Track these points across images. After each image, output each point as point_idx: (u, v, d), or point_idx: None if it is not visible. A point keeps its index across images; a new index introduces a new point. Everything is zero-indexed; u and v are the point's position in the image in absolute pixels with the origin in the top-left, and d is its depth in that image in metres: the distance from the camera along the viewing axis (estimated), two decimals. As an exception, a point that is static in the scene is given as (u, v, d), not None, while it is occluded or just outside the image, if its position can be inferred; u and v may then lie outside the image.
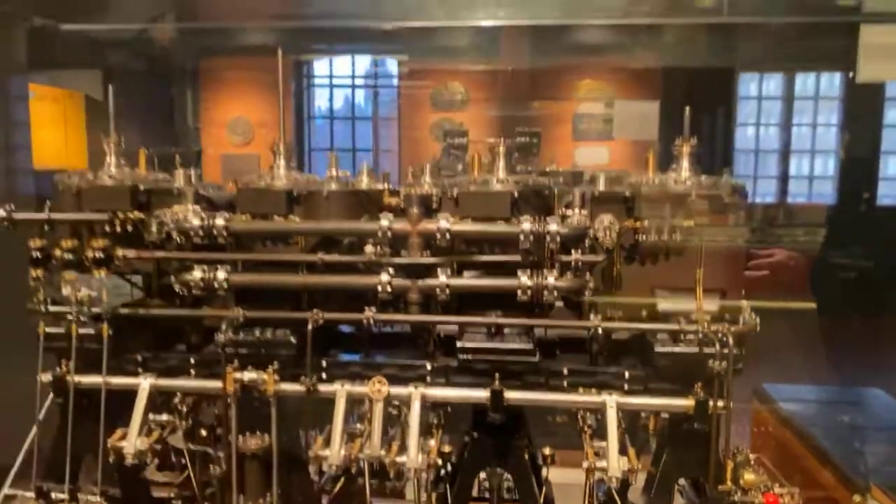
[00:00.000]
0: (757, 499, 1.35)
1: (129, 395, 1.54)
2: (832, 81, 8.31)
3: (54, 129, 6.16)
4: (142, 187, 1.57)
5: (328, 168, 1.61)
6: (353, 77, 8.90)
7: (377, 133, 8.89)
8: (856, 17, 1.83)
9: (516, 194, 1.48)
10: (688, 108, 1.58)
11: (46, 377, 1.52)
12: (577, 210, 1.47)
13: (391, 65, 8.69)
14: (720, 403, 1.38)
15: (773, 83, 8.47)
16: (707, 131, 7.89)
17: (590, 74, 7.69)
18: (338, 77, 8.89)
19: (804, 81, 8.51)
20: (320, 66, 8.95)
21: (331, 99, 8.91)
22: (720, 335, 1.39)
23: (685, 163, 1.54)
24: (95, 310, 1.52)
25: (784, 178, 8.19)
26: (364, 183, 1.58)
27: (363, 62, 8.84)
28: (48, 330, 1.54)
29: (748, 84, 8.36)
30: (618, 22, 5.36)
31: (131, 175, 1.61)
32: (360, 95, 9.05)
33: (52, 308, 1.54)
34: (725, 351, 1.37)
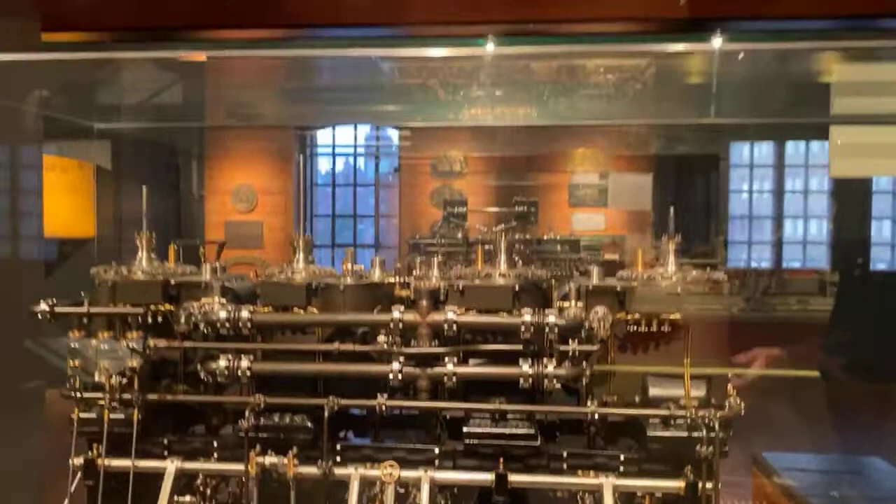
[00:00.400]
0: None
1: (155, 474, 1.65)
2: (823, 147, 8.59)
3: (63, 198, 6.36)
4: (172, 281, 1.71)
5: (343, 262, 1.76)
6: (354, 146, 9.20)
7: (378, 200, 9.13)
8: (825, 119, 2.02)
9: (517, 287, 1.63)
10: (672, 208, 1.75)
11: (79, 461, 1.63)
12: (573, 302, 1.62)
13: (392, 133, 9.00)
14: (709, 485, 1.49)
15: (765, 149, 8.76)
16: (702, 197, 8.13)
17: (584, 143, 7.96)
18: (340, 146, 9.19)
19: (795, 148, 8.80)
20: (323, 135, 9.26)
21: (333, 167, 9.18)
22: (707, 420, 1.51)
23: (671, 258, 1.69)
24: (126, 396, 1.65)
25: (778, 244, 8.39)
26: (377, 276, 1.73)
27: (364, 128, 9.16)
28: (81, 415, 1.66)
29: (740, 151, 8.65)
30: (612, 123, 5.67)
31: (162, 269, 1.76)
32: (362, 161, 9.32)
33: (85, 395, 1.66)
34: (712, 435, 1.50)
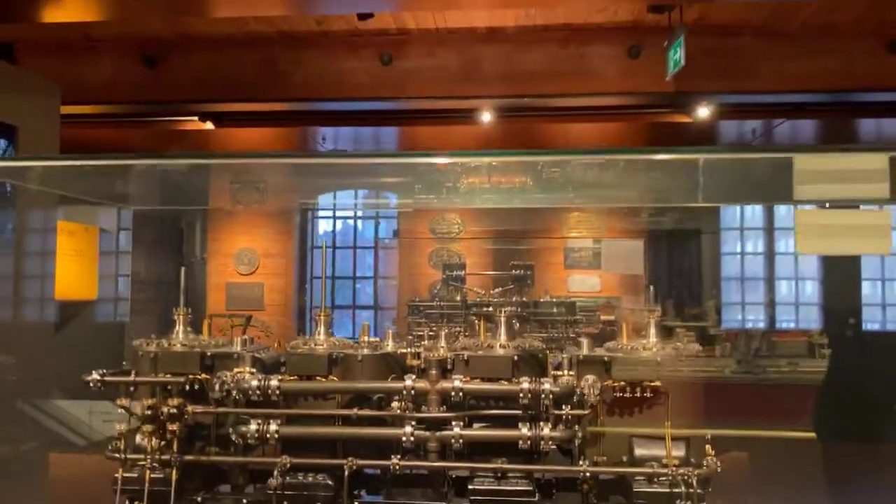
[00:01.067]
0: None
1: (188, 532, 1.84)
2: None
3: (69, 262, 6.60)
4: (208, 353, 1.94)
5: (360, 334, 2.00)
6: (355, 209, 9.52)
7: (377, 261, 9.38)
8: (790, 202, 2.29)
9: (516, 358, 1.86)
10: (652, 287, 1.99)
11: None
12: (565, 371, 1.85)
13: (391, 195, 9.32)
14: None
15: (756, 213, 9.12)
16: (694, 260, 8.43)
17: (579, 208, 8.28)
18: (341, 209, 9.51)
19: (787, 210, 9.13)
20: (324, 199, 9.58)
21: (333, 230, 9.47)
22: (686, 478, 1.72)
23: (652, 330, 1.93)
24: (165, 457, 1.85)
25: (770, 305, 8.64)
26: (390, 347, 1.96)
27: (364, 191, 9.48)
28: (125, 475, 1.86)
29: (731, 215, 9.00)
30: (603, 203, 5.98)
31: (197, 341, 1.99)
32: (361, 224, 9.63)
33: (130, 456, 1.87)
34: (691, 491, 1.70)
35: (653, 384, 1.83)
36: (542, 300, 6.09)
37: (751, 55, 5.98)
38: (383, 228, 9.37)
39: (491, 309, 5.95)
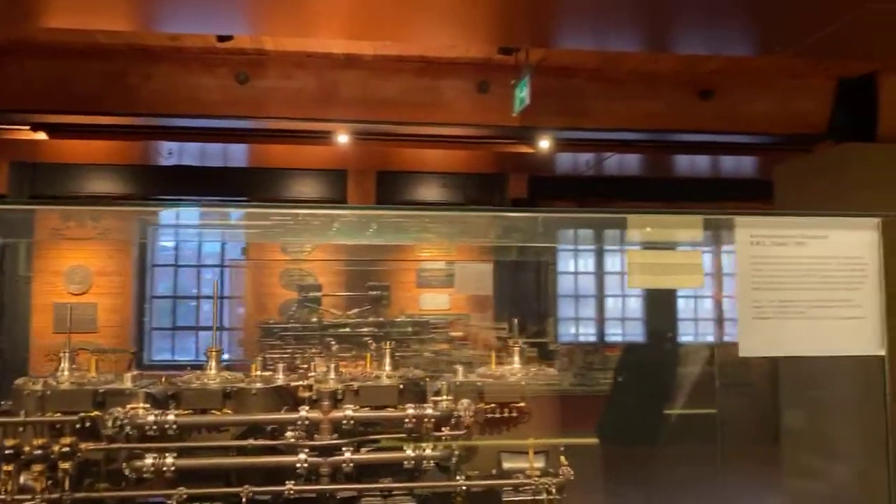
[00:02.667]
0: None
1: (78, 568, 1.89)
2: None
3: None
4: (100, 390, 2.00)
5: (252, 369, 2.14)
6: (199, 227, 9.27)
7: (222, 280, 9.21)
8: (622, 246, 2.72)
9: (401, 386, 2.10)
10: (515, 320, 2.32)
11: None
12: (444, 396, 2.11)
13: (239, 212, 9.18)
14: None
15: (588, 234, 9.98)
16: (536, 280, 9.08)
17: (429, 232, 8.64)
18: (184, 226, 9.22)
19: (614, 232, 10.06)
20: (167, 214, 9.23)
21: (176, 247, 9.18)
22: (547, 486, 2.05)
23: (516, 357, 2.25)
24: (55, 495, 1.89)
25: (601, 321, 9.52)
26: (281, 380, 2.13)
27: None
28: (11, 517, 1.87)
29: (567, 235, 9.80)
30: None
31: (85, 378, 2.04)
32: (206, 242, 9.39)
33: (16, 497, 1.88)
34: (551, 497, 2.03)
35: (518, 405, 2.14)
36: (397, 319, 6.36)
37: (585, 96, 6.66)
38: (231, 246, 9.22)
39: (348, 329, 6.15)
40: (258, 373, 2.12)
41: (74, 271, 8.44)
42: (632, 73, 6.55)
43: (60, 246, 8.54)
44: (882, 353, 1.87)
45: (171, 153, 7.89)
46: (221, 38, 5.46)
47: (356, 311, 6.45)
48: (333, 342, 5.55)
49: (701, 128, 6.95)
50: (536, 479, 2.06)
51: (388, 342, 2.21)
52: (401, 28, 5.46)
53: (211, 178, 8.89)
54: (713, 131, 7.04)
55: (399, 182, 9.08)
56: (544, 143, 7.47)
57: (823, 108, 6.49)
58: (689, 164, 9.19)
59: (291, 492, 1.97)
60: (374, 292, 6.52)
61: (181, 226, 9.04)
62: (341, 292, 7.34)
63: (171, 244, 9.22)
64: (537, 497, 2.06)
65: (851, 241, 1.85)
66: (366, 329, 6.24)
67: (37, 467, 1.88)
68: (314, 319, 6.34)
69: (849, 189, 5.77)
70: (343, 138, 7.43)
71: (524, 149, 7.63)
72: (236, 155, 8.56)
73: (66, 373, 2.04)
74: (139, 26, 5.53)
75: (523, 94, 5.88)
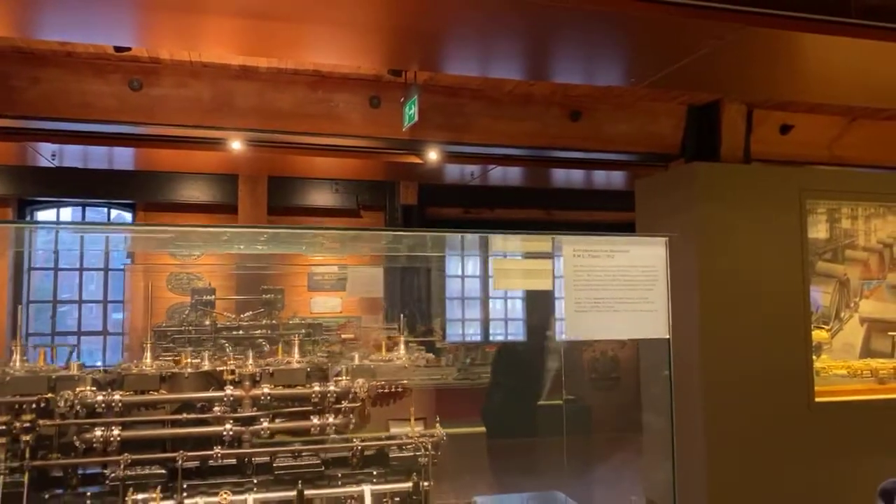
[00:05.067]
0: None
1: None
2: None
3: None
4: (53, 376, 2.46)
5: (182, 359, 2.65)
6: (82, 226, 9.32)
7: (106, 286, 9.32)
8: (491, 254, 3.41)
9: (308, 370, 2.68)
10: (403, 317, 2.94)
11: None
12: (343, 377, 2.71)
13: (126, 215, 9.35)
14: (426, 483, 2.65)
15: (474, 239, 10.75)
16: (424, 282, 9.76)
17: (321, 235, 9.14)
18: (64, 224, 9.25)
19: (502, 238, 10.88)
20: (46, 214, 9.26)
21: (56, 251, 9.19)
22: (424, 444, 2.68)
23: (402, 346, 2.88)
24: (15, 464, 2.34)
25: (485, 321, 10.33)
26: (207, 366, 2.66)
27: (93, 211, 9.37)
28: (-21, 482, 2.30)
29: (454, 241, 10.53)
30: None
31: (37, 367, 2.49)
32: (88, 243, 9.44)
33: (-17, 466, 2.31)
34: (427, 452, 2.67)
35: (403, 383, 2.77)
36: (291, 321, 6.84)
37: (468, 113, 7.41)
38: (116, 253, 9.33)
39: (241, 332, 6.57)
40: (187, 360, 2.64)
41: (-55, 275, 8.33)
42: (510, 94, 7.35)
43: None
44: (667, 336, 2.64)
45: (55, 155, 7.99)
46: (119, 49, 5.77)
47: (249, 314, 6.88)
48: (227, 345, 5.99)
49: (571, 146, 7.86)
50: (416, 437, 2.69)
51: (297, 335, 2.78)
52: (292, 49, 5.97)
53: (96, 181, 9.00)
54: (582, 149, 7.99)
55: (291, 187, 9.51)
56: (432, 155, 8.17)
57: (676, 131, 7.54)
58: (566, 176, 10.18)
59: (219, 456, 2.51)
60: (268, 295, 6.97)
61: (63, 225, 9.09)
62: (233, 296, 7.71)
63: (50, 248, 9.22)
64: (417, 453, 2.69)
65: (647, 254, 2.60)
66: (259, 332, 6.69)
67: (1, 440, 2.32)
68: (207, 323, 6.71)
69: (696, 201, 6.80)
70: (237, 145, 7.82)
71: (413, 159, 8.30)
72: (123, 158, 8.73)
73: (18, 363, 2.48)
74: (22, 34, 5.76)
75: (412, 111, 6.54)
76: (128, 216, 9.39)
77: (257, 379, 2.63)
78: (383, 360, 2.78)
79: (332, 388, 2.63)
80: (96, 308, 9.27)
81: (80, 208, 9.17)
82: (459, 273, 10.60)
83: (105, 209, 9.23)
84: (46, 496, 2.40)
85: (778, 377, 6.41)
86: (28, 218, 9.16)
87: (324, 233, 3.37)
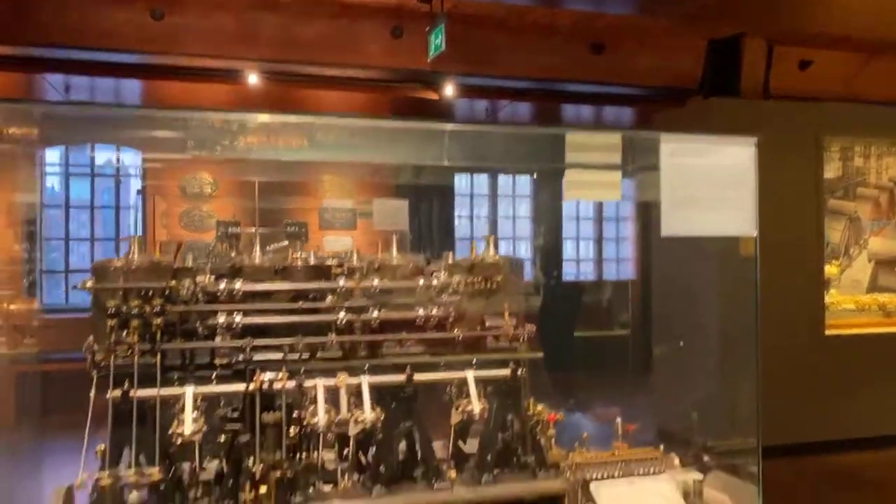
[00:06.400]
0: (544, 416, 2.82)
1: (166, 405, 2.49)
2: (526, 180, 10.99)
3: None
4: (174, 266, 2.58)
5: (290, 254, 2.78)
6: (92, 166, 9.30)
7: (119, 223, 9.35)
8: (560, 165, 3.55)
9: (410, 265, 2.83)
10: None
11: (115, 393, 2.42)
12: (442, 274, 2.86)
13: (136, 156, 9.33)
14: (520, 371, 2.83)
15: (482, 181, 10.91)
16: (436, 220, 9.91)
17: (336, 171, 9.23)
18: (75, 165, 9.22)
19: (505, 180, 11.08)
20: (53, 155, 9.21)
21: (66, 188, 9.18)
22: (521, 338, 2.86)
23: (492, 247, 3.03)
24: (147, 346, 2.48)
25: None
26: (317, 259, 2.79)
27: (104, 151, 9.34)
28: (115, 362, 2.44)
29: (462, 181, 10.68)
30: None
31: (155, 257, 2.61)
32: (102, 184, 9.45)
33: (119, 347, 2.45)
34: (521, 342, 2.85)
35: (497, 280, 2.93)
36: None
37: (491, 45, 7.46)
38: (126, 187, 9.33)
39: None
40: (297, 254, 2.77)
41: (-44, 210, 8.29)
42: (533, 25, 7.41)
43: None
44: (755, 234, 2.83)
45: (68, 89, 7.94)
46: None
47: (275, 246, 6.97)
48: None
49: (592, 79, 7.96)
50: (511, 328, 2.86)
51: (395, 233, 2.91)
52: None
53: (104, 121, 8.92)
54: (602, 82, 8.08)
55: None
56: (449, 90, 8.23)
57: (696, 66, 7.67)
58: (575, 115, 10.26)
59: (333, 342, 2.66)
60: (292, 229, 7.08)
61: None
62: (259, 229, 7.79)
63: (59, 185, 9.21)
64: (511, 343, 2.87)
65: (737, 154, 2.77)
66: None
67: (134, 324, 2.45)
68: (233, 255, 6.81)
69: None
70: (253, 78, 7.82)
71: (430, 94, 8.35)
72: (129, 92, 8.67)
73: (136, 255, 2.60)
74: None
75: (438, 40, 6.58)
76: (137, 158, 9.35)
77: (364, 272, 2.77)
78: (476, 258, 2.93)
79: (434, 282, 2.78)
80: (108, 246, 9.31)
81: (87, 145, 9.13)
82: (468, 213, 10.75)
83: (113, 148, 9.20)
84: (175, 377, 2.54)
85: (789, 310, 6.69)
86: (38, 159, 9.09)
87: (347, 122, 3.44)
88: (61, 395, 3.47)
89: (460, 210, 10.46)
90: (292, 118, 4.17)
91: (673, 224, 2.68)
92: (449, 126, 3.92)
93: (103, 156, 9.38)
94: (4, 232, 8.82)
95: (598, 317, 9.58)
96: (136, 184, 9.27)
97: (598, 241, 11.34)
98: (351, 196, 9.55)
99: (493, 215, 10.79)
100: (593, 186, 3.57)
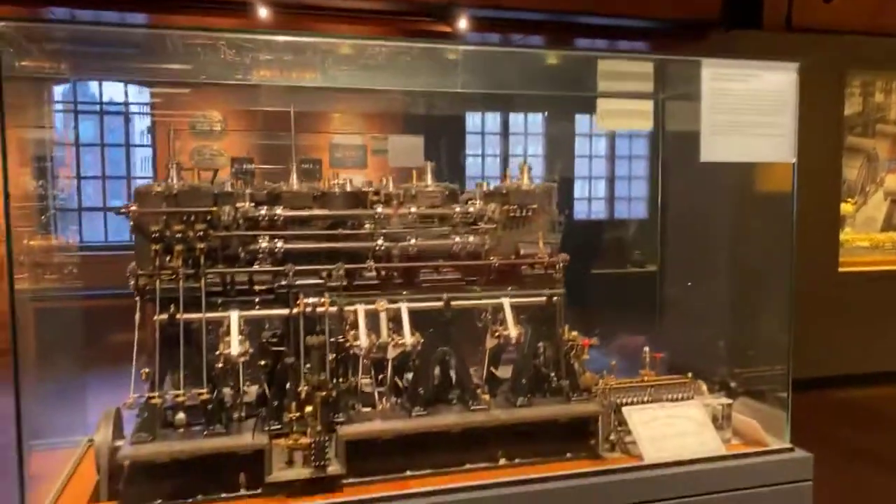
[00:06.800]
0: (579, 342, 2.87)
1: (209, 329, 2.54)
2: (537, 118, 10.89)
3: None
4: (215, 191, 2.59)
5: (326, 181, 2.79)
6: (101, 103, 9.22)
7: (129, 160, 9.31)
8: (591, 93, 3.52)
9: (446, 192, 2.84)
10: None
11: (162, 317, 2.46)
12: (477, 202, 2.87)
13: (145, 93, 9.23)
14: (555, 297, 2.87)
15: (494, 119, 10.81)
16: (446, 156, 9.84)
17: (340, 109, 9.12)
18: (83, 103, 9.14)
19: (515, 118, 10.98)
20: (60, 90, 9.11)
21: (76, 125, 9.12)
22: (557, 263, 2.88)
23: (526, 175, 3.03)
24: (190, 271, 2.51)
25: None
26: (354, 187, 2.80)
27: (111, 87, 9.25)
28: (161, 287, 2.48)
29: (473, 119, 10.58)
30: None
31: (196, 183, 2.62)
32: (111, 122, 9.38)
33: (163, 272, 2.48)
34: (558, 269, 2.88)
35: (532, 207, 2.94)
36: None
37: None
38: (134, 125, 9.27)
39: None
40: (333, 181, 2.78)
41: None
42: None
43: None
44: (793, 160, 2.82)
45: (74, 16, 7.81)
46: None
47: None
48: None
49: (607, 11, 7.81)
50: (546, 256, 2.89)
51: (429, 161, 2.92)
52: None
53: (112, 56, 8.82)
54: (618, 15, 7.93)
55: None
56: (462, 23, 8.10)
57: (716, -2, 7.51)
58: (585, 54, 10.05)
59: (372, 269, 2.69)
60: (307, 165, 7.04)
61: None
62: (274, 165, 7.75)
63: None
64: (547, 270, 2.90)
65: (778, 80, 2.74)
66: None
67: (178, 248, 2.48)
68: (248, 191, 6.80)
69: (735, 72, 6.91)
70: (263, 11, 7.69)
71: (443, 27, 8.22)
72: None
73: (174, 179, 2.60)
74: None
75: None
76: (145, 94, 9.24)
77: (400, 200, 2.78)
78: (511, 186, 2.94)
79: (471, 209, 2.80)
80: (119, 184, 9.30)
81: (97, 82, 9.03)
82: (479, 152, 10.69)
83: (122, 83, 9.08)
84: (219, 301, 2.58)
85: (804, 246, 6.69)
86: (45, 95, 8.97)
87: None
88: (91, 328, 3.53)
89: (472, 149, 10.41)
90: (306, 38, 4.08)
91: (713, 150, 2.67)
92: (468, 47, 3.82)
93: (111, 92, 9.29)
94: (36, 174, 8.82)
95: (623, 254, 9.64)
96: (142, 122, 9.21)
97: (628, 179, 11.36)
98: (361, 132, 9.47)
99: (506, 152, 10.74)
100: (627, 115, 3.55)
